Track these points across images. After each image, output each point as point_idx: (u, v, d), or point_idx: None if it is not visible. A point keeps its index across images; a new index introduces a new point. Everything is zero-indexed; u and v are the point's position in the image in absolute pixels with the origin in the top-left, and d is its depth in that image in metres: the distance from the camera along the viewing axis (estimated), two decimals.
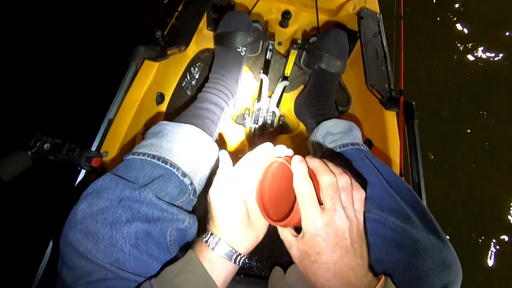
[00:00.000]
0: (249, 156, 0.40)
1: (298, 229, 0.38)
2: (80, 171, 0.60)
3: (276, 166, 0.40)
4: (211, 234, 0.39)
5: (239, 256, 0.39)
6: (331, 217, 0.33)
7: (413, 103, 0.74)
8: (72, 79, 1.28)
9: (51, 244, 0.52)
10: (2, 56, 1.28)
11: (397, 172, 0.71)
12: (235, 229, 0.39)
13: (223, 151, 0.41)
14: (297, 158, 0.36)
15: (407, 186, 0.52)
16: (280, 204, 0.41)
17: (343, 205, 0.34)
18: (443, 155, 1.39)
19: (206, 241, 0.39)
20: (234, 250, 0.39)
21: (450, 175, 1.37)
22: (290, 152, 0.40)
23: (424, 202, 0.64)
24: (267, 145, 0.40)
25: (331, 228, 0.32)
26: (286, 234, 0.38)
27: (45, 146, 0.52)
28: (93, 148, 0.64)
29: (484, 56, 1.65)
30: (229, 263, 0.38)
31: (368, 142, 0.83)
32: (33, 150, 0.50)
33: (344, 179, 0.35)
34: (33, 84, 1.26)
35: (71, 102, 1.22)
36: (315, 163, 0.36)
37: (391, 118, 0.79)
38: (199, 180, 0.56)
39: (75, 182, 0.59)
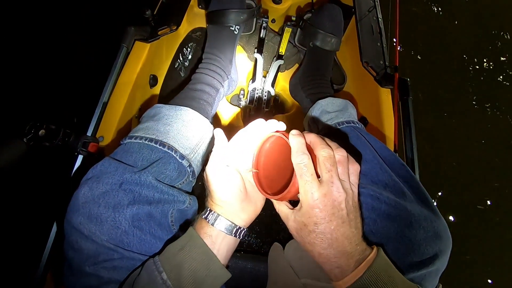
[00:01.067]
0: (243, 132, 0.41)
1: (293, 203, 0.39)
2: (77, 156, 0.60)
3: (272, 141, 0.41)
4: (210, 210, 0.40)
5: (239, 230, 0.40)
6: (328, 189, 0.34)
7: (408, 79, 0.74)
8: (61, 63, 1.24)
9: (54, 228, 0.53)
10: None
11: (392, 148, 0.72)
12: (233, 204, 0.40)
13: (218, 129, 0.41)
14: (295, 132, 0.37)
15: (400, 162, 0.53)
16: (275, 179, 0.41)
17: (340, 178, 0.35)
18: (438, 129, 1.41)
19: (206, 218, 0.40)
20: (233, 224, 0.40)
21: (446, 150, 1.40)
22: (282, 126, 0.40)
23: (417, 176, 0.66)
24: (260, 121, 0.40)
25: (328, 199, 0.33)
26: (282, 207, 0.39)
27: (40, 132, 0.52)
28: (89, 133, 0.63)
29: (484, 28, 1.63)
30: (229, 237, 0.39)
31: (363, 119, 0.84)
32: (28, 137, 0.50)
33: (341, 153, 0.36)
34: (23, 71, 1.22)
35: (63, 88, 1.19)
36: (312, 137, 0.37)
37: (385, 95, 0.80)
38: (197, 162, 0.57)
39: (73, 167, 0.59)
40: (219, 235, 0.39)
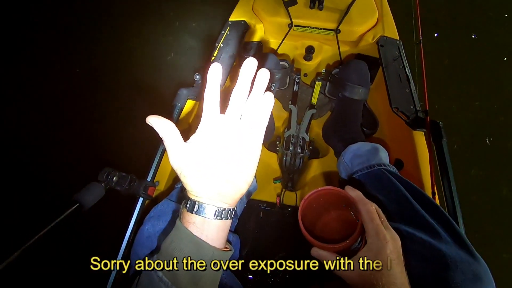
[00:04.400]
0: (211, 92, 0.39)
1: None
2: (138, 199, 0.71)
3: (310, 199, 0.45)
4: (188, 198, 0.38)
5: (223, 211, 0.37)
6: (391, 233, 0.39)
7: (440, 122, 0.76)
8: (129, 125, 1.48)
9: (121, 254, 0.61)
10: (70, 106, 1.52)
11: (430, 191, 0.71)
12: (207, 188, 0.36)
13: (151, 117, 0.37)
14: (350, 187, 0.42)
15: (434, 203, 0.54)
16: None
17: None
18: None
19: (186, 206, 0.38)
20: (215, 207, 0.36)
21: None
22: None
23: (460, 219, 0.64)
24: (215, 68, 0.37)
25: (396, 242, 0.39)
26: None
27: (114, 178, 0.63)
28: (149, 179, 0.75)
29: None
30: (215, 221, 0.37)
31: (398, 162, 0.85)
32: (105, 182, 0.62)
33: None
34: (101, 130, 1.48)
35: (129, 141, 1.41)
36: (356, 193, 0.43)
37: (419, 138, 0.81)
38: (239, 203, 0.64)
39: (135, 207, 0.69)
40: (203, 221, 0.36)
